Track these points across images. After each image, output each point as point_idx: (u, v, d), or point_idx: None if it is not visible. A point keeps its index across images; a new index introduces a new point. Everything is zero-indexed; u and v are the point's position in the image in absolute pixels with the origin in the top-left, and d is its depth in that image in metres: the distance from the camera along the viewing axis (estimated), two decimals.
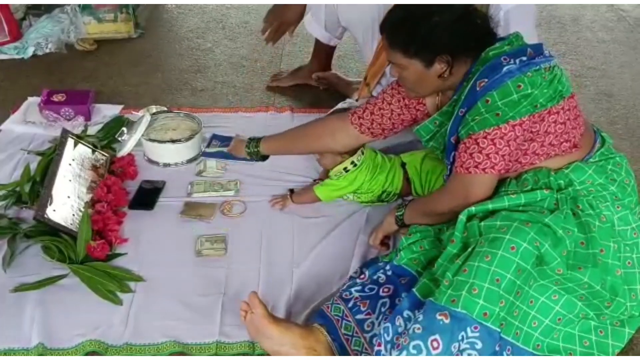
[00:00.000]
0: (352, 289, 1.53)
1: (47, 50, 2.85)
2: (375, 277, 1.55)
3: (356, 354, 1.43)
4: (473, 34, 1.48)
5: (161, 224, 1.86)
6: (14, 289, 1.61)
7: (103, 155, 2.07)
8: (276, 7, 2.38)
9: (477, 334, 1.25)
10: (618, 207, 1.48)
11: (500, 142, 1.43)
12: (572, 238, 1.38)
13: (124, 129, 2.11)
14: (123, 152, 2.05)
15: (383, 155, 1.93)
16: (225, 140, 2.17)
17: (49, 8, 3.03)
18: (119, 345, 1.49)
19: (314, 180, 2.01)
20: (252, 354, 1.48)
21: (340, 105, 1.98)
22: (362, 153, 1.86)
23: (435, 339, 1.25)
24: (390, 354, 1.30)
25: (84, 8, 2.95)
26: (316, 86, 2.61)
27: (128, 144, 2.06)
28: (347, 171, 1.85)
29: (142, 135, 2.07)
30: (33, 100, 2.42)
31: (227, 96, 2.58)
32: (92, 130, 2.24)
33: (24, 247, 1.72)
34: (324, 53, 2.58)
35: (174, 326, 1.53)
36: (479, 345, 1.25)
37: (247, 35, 3.09)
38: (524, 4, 1.95)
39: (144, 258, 1.73)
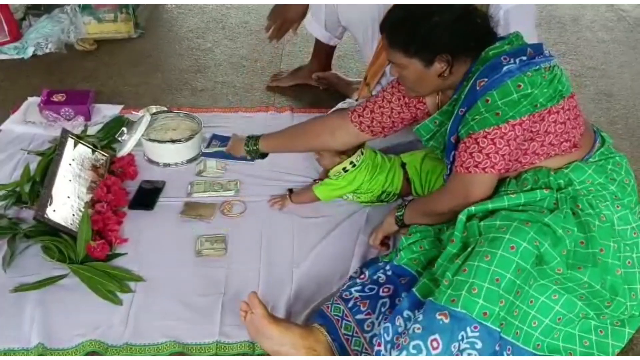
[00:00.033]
0: (352, 289, 1.53)
1: (47, 50, 2.85)
2: (375, 277, 1.55)
3: (356, 354, 1.43)
4: (473, 34, 1.48)
5: (161, 224, 1.86)
6: (14, 289, 1.61)
7: (103, 155, 2.07)
8: (278, 6, 2.39)
9: (477, 334, 1.25)
10: (618, 207, 1.48)
11: (500, 141, 1.43)
12: (572, 237, 1.38)
13: (124, 129, 2.11)
14: (123, 152, 2.05)
15: (383, 155, 1.93)
16: (225, 140, 2.17)
17: (49, 8, 3.03)
18: (119, 346, 1.49)
19: (314, 181, 2.01)
20: (252, 354, 1.48)
21: (340, 106, 1.98)
22: (362, 153, 1.86)
23: (435, 339, 1.25)
24: (390, 354, 1.30)
25: (84, 8, 2.95)
26: (316, 86, 2.61)
27: (128, 144, 2.06)
28: (346, 171, 1.85)
29: (142, 135, 2.07)
30: (33, 100, 2.42)
31: (227, 96, 2.58)
32: (92, 130, 2.24)
33: (24, 247, 1.72)
34: (324, 53, 2.58)
35: (174, 326, 1.53)
36: (479, 345, 1.25)
37: (247, 35, 3.09)
38: (524, 3, 1.95)
39: (143, 258, 1.73)
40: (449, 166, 1.57)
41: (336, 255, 1.75)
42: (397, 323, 1.34)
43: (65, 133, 1.99)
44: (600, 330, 1.43)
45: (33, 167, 1.98)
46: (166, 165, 2.11)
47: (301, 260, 1.74)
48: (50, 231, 1.72)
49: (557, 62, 1.49)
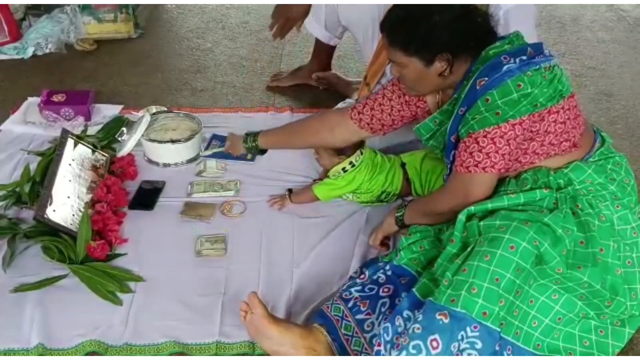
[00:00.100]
0: (352, 289, 1.53)
1: (47, 51, 2.85)
2: (375, 277, 1.55)
3: (356, 354, 1.43)
4: (473, 33, 1.48)
5: (161, 224, 1.86)
6: (14, 289, 1.61)
7: (103, 155, 2.07)
8: (281, 5, 2.40)
9: (476, 334, 1.25)
10: (617, 207, 1.48)
11: (500, 141, 1.43)
12: (572, 237, 1.38)
13: (124, 129, 2.11)
14: (123, 152, 2.05)
15: (383, 156, 1.93)
16: (225, 140, 2.17)
17: (49, 8, 3.03)
18: (119, 346, 1.49)
19: (314, 181, 2.01)
20: (252, 354, 1.48)
21: (340, 106, 1.98)
22: (361, 153, 1.86)
23: (434, 339, 1.24)
24: (390, 354, 1.30)
25: (84, 8, 2.96)
26: (316, 86, 2.61)
27: (128, 144, 2.05)
28: (345, 171, 1.85)
29: (142, 135, 2.07)
30: (33, 101, 2.42)
31: (227, 96, 2.58)
32: (92, 130, 2.24)
33: (23, 248, 1.72)
34: (324, 53, 2.58)
35: (174, 326, 1.53)
36: (479, 345, 1.25)
37: (247, 35, 3.09)
38: (524, 3, 1.95)
39: (143, 258, 1.73)
40: (448, 166, 1.57)
41: (336, 255, 1.75)
42: (397, 323, 1.34)
43: (65, 133, 1.99)
44: (600, 330, 1.43)
45: (33, 167, 1.98)
46: (166, 165, 2.11)
47: (301, 260, 1.74)
48: (50, 231, 1.72)
49: (557, 61, 1.49)
